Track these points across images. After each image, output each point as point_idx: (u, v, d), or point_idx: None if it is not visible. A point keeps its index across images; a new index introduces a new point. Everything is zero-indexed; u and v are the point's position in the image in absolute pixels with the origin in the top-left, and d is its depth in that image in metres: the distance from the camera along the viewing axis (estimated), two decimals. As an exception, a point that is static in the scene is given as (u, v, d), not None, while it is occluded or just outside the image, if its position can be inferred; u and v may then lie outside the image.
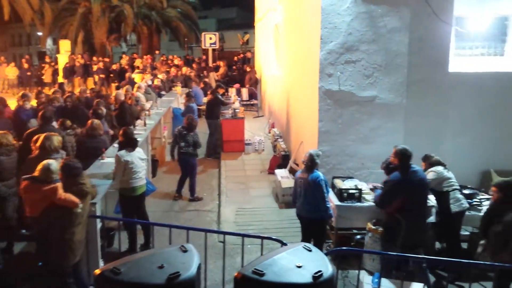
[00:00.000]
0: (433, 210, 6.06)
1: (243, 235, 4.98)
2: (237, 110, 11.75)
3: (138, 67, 19.86)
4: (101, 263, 5.38)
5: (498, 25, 7.86)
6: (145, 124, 9.30)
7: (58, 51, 23.83)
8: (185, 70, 18.89)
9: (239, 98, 14.39)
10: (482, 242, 5.08)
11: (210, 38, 19.85)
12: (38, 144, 5.76)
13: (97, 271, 2.29)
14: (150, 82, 14.15)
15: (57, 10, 27.36)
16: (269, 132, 12.52)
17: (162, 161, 10.37)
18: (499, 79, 7.46)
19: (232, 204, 8.20)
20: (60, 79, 19.51)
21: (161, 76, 16.52)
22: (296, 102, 9.74)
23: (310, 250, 2.43)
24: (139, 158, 6.29)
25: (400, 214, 4.86)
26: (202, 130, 12.22)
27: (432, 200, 6.12)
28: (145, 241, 6.45)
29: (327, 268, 2.29)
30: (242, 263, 4.89)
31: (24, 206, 4.81)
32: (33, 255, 4.76)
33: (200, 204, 8.37)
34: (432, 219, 6.06)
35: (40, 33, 31.41)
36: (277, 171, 8.97)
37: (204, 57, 23.79)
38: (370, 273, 5.54)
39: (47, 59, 24.72)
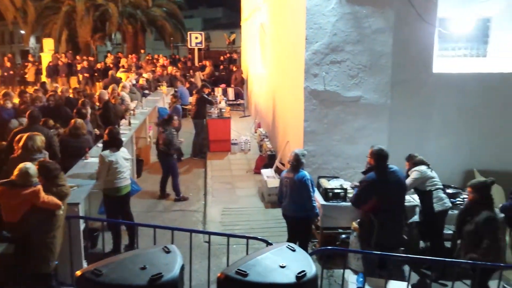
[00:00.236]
0: (417, 209, 6.15)
1: (229, 235, 4.97)
2: (223, 110, 11.73)
3: (123, 66, 19.70)
4: (85, 264, 5.32)
5: (480, 27, 7.97)
6: (129, 124, 9.21)
7: (41, 50, 23.52)
8: (170, 69, 18.80)
9: (225, 98, 14.36)
10: (458, 241, 5.16)
11: (196, 38, 19.80)
12: (20, 144, 5.67)
13: (78, 273, 2.25)
14: (134, 81, 14.02)
15: (40, 8, 27.00)
16: (255, 132, 12.52)
17: (147, 161, 10.30)
18: (482, 80, 7.57)
19: (218, 204, 8.17)
20: (44, 78, 19.25)
21: (146, 75, 16.40)
22: (282, 102, 9.76)
23: (294, 250, 2.43)
24: (123, 158, 6.24)
25: (374, 214, 4.85)
26: (188, 129, 12.20)
27: (415, 199, 6.20)
28: (130, 242, 6.39)
29: (311, 268, 2.29)
30: (228, 263, 4.88)
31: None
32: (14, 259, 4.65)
33: (186, 204, 8.33)
34: (415, 218, 6.14)
35: (23, 32, 30.94)
36: (263, 170, 8.98)
37: (190, 56, 23.71)
38: (355, 272, 5.57)
39: (30, 58, 24.38)
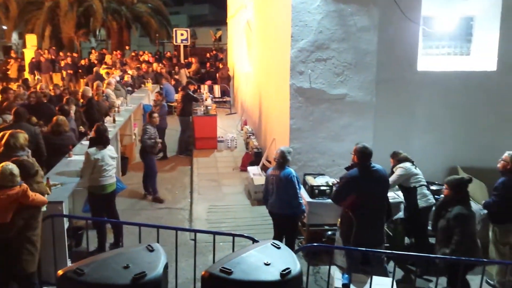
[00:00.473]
0: (402, 206, 6.20)
1: (214, 233, 4.95)
2: (209, 107, 11.68)
3: (105, 63, 19.47)
4: (69, 263, 5.26)
5: (463, 25, 8.05)
6: (114, 121, 9.12)
7: (24, 46, 23.13)
8: (155, 66, 18.66)
9: (211, 95, 14.31)
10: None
11: (182, 34, 19.67)
12: (3, 141, 5.59)
13: (60, 272, 2.21)
14: (118, 78, 13.87)
15: (23, 3, 26.52)
16: (242, 129, 12.51)
17: (132, 158, 10.21)
18: (465, 78, 7.65)
19: (204, 202, 8.14)
20: (26, 74, 18.95)
21: (131, 72, 16.24)
22: (268, 100, 9.75)
23: (278, 248, 2.43)
24: (109, 156, 6.17)
25: (352, 212, 4.87)
26: (174, 127, 12.13)
27: (400, 196, 6.25)
28: (115, 240, 6.34)
29: (295, 265, 2.29)
30: (214, 260, 4.86)
31: None
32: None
33: (172, 202, 8.29)
34: (400, 214, 6.19)
35: (5, 27, 30.37)
36: (249, 168, 8.97)
37: (175, 53, 23.56)
38: (342, 268, 5.60)
39: (13, 54, 23.97)
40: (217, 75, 17.79)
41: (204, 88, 15.78)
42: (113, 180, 6.28)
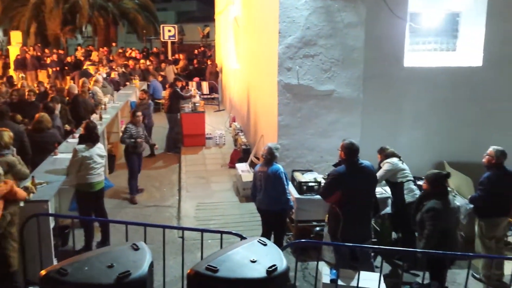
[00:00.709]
0: (389, 201, 6.24)
1: (202, 230, 4.93)
2: (197, 104, 11.62)
3: (89, 60, 19.25)
4: (55, 263, 5.20)
5: (450, 21, 8.10)
6: (100, 118, 9.02)
7: (9, 43, 22.78)
8: (142, 62, 18.50)
9: (199, 92, 14.24)
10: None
11: (169, 31, 19.53)
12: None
13: (43, 272, 2.17)
14: (104, 75, 13.72)
15: (7, 0, 26.09)
16: (230, 126, 12.47)
17: (119, 156, 10.12)
18: (452, 73, 7.70)
19: (192, 199, 8.11)
20: (11, 71, 18.66)
21: (119, 69, 16.08)
22: (256, 96, 9.73)
23: (265, 244, 2.42)
24: (98, 155, 6.10)
25: (339, 208, 4.89)
26: (162, 124, 12.06)
27: (387, 191, 6.29)
28: (102, 239, 6.28)
29: (282, 262, 2.28)
30: (202, 258, 4.83)
31: None
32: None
33: (160, 199, 8.24)
34: (388, 210, 6.23)
35: (-11, 24, 29.88)
36: (238, 165, 8.95)
37: (163, 49, 23.38)
38: (330, 264, 5.62)
39: (-3, 51, 23.59)
40: (206, 71, 17.70)
41: (192, 85, 15.70)
42: (101, 178, 6.23)
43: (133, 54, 21.77)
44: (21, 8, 26.19)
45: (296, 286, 5.18)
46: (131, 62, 18.41)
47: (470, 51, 7.87)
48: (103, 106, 9.91)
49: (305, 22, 7.11)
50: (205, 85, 16.55)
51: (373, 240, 5.56)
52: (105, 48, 23.19)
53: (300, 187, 6.31)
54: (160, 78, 15.68)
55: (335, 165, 5.22)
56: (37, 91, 10.41)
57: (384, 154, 6.16)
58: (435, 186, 4.98)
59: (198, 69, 19.51)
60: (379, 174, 5.81)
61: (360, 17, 7.20)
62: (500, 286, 5.44)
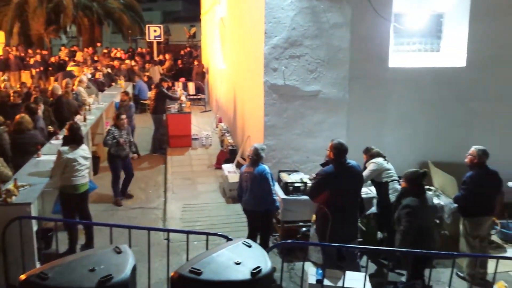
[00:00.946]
0: (374, 201, 6.27)
1: (188, 232, 4.89)
2: (183, 105, 11.55)
3: (74, 60, 19.00)
4: (38, 266, 5.11)
5: (434, 22, 8.17)
6: (85, 119, 8.90)
7: (-9, 43, 22.41)
8: (127, 63, 18.32)
9: (185, 93, 14.15)
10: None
11: (155, 31, 19.40)
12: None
13: (23, 277, 2.12)
14: (89, 75, 13.55)
15: (-11, 0, 25.68)
16: (217, 127, 12.42)
17: (103, 158, 10.00)
18: (436, 73, 7.77)
19: (178, 201, 8.06)
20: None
21: (104, 69, 15.90)
22: (242, 97, 9.71)
23: (250, 246, 2.40)
24: (82, 157, 6.01)
25: (328, 207, 4.90)
26: (147, 125, 11.96)
27: (373, 191, 6.32)
28: (86, 242, 6.20)
29: (266, 264, 2.27)
30: (188, 260, 4.80)
31: None
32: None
33: (145, 201, 8.17)
34: (373, 209, 6.26)
35: (-30, 24, 29.33)
36: (224, 166, 8.92)
37: (148, 49, 23.21)
38: (316, 264, 5.63)
39: (-21, 51, 23.12)
40: (193, 72, 17.61)
41: (178, 86, 15.60)
42: (86, 180, 6.14)
43: (118, 55, 21.55)
44: (3, 8, 25.76)
45: (282, 286, 5.17)
46: (116, 63, 18.22)
47: (454, 52, 7.95)
48: (87, 107, 9.79)
49: (291, 22, 7.11)
50: (191, 86, 16.45)
51: (359, 240, 5.58)
52: (90, 48, 22.93)
53: (286, 187, 6.30)
54: (145, 79, 15.55)
55: (322, 165, 5.24)
56: (20, 92, 10.22)
57: (370, 154, 6.19)
58: (413, 184, 5.02)
59: (184, 70, 19.38)
60: (364, 174, 5.84)
61: (346, 17, 7.22)
62: (484, 284, 5.49)
